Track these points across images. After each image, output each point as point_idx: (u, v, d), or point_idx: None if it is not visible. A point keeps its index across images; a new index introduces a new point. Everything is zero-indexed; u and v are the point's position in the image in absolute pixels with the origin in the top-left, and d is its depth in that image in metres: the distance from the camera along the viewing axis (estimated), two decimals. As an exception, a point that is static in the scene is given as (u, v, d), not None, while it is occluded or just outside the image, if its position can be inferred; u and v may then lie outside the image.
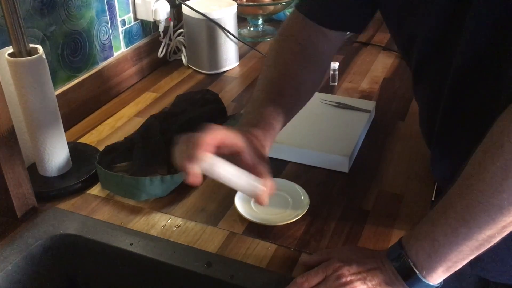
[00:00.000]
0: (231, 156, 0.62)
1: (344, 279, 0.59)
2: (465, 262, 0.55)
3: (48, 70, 0.77)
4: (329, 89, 1.13)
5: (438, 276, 0.56)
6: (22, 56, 0.74)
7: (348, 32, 0.78)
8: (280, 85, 0.73)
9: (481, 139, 0.52)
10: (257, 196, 0.62)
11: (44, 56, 0.76)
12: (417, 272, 0.56)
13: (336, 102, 1.00)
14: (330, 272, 0.60)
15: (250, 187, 0.61)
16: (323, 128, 0.93)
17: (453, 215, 0.53)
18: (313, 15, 0.75)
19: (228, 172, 0.59)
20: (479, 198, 0.51)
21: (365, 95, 1.10)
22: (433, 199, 0.81)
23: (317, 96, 1.02)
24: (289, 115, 0.72)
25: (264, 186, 0.62)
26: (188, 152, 0.56)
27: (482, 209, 0.51)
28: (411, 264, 0.56)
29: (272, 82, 0.73)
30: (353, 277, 0.59)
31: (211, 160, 0.57)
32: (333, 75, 1.14)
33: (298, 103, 0.75)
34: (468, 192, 0.52)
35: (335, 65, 1.13)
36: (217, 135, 0.59)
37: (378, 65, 1.25)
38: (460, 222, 0.52)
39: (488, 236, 0.52)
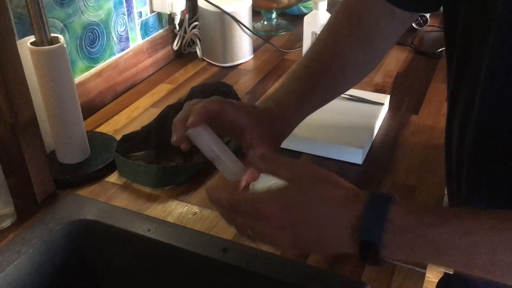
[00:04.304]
0: (234, 132, 0.59)
1: (268, 232, 0.49)
2: None
3: (68, 59, 0.79)
4: (343, 83, 1.13)
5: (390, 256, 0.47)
6: (43, 45, 0.76)
7: (419, 14, 0.69)
8: (326, 63, 0.67)
9: None
10: (231, 181, 0.57)
11: (65, 45, 0.77)
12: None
13: (350, 95, 1.01)
14: (256, 214, 0.49)
15: (227, 170, 0.58)
16: (337, 120, 0.94)
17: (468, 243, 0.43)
18: None
19: (208, 147, 0.57)
20: (505, 255, 0.42)
21: (378, 89, 1.11)
22: (445, 192, 0.82)
23: (331, 89, 1.03)
24: (329, 95, 0.67)
25: (242, 174, 0.57)
26: (182, 116, 0.58)
27: (496, 264, 0.43)
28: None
29: (317, 59, 0.68)
30: (278, 232, 0.49)
31: (198, 129, 0.57)
32: (347, 68, 1.15)
33: (342, 84, 0.69)
34: (501, 241, 0.42)
35: (349, 59, 1.14)
36: (216, 107, 0.57)
37: (392, 60, 1.25)
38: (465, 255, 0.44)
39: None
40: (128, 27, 1.11)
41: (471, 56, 0.57)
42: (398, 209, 0.46)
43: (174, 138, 0.58)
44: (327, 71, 0.67)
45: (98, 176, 0.84)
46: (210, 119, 0.57)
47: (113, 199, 0.79)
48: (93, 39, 1.01)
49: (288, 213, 0.48)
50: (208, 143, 0.57)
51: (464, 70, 0.59)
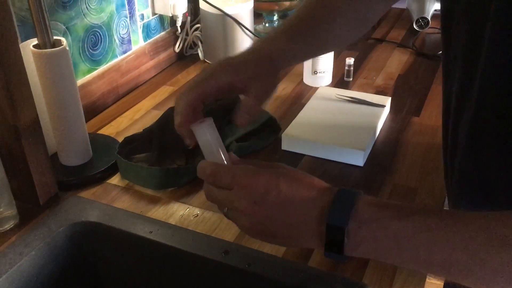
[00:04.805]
0: (232, 94, 0.62)
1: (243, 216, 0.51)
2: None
3: (71, 61, 0.79)
4: (344, 85, 1.13)
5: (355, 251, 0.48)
6: (46, 48, 0.76)
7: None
8: (317, 12, 0.69)
9: None
10: None
11: (67, 48, 0.78)
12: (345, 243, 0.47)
13: (351, 97, 1.01)
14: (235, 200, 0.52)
15: None
16: (339, 122, 0.94)
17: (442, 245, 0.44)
18: None
19: (208, 147, 0.57)
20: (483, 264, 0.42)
21: (379, 91, 1.11)
22: (446, 193, 0.82)
23: (333, 91, 1.03)
24: (320, 41, 0.69)
25: None
26: (184, 111, 0.58)
27: (453, 263, 0.43)
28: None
29: (309, 10, 0.70)
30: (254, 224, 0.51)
31: (201, 125, 0.57)
32: (348, 71, 1.15)
33: (334, 36, 0.71)
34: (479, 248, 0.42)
35: (350, 61, 1.14)
36: (206, 92, 0.59)
37: (393, 62, 1.25)
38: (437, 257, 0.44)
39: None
40: (130, 30, 1.11)
41: (467, 54, 0.57)
42: (365, 201, 0.48)
43: (186, 140, 0.59)
44: (319, 20, 0.69)
45: (100, 178, 0.84)
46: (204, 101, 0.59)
47: (115, 201, 0.79)
48: (95, 41, 1.02)
49: (263, 188, 0.50)
50: (207, 141, 0.57)
51: (457, 68, 0.59)
